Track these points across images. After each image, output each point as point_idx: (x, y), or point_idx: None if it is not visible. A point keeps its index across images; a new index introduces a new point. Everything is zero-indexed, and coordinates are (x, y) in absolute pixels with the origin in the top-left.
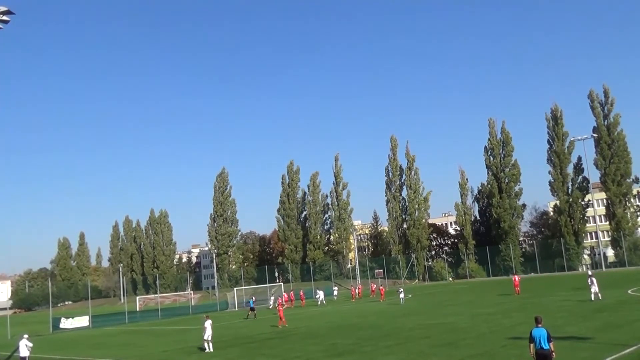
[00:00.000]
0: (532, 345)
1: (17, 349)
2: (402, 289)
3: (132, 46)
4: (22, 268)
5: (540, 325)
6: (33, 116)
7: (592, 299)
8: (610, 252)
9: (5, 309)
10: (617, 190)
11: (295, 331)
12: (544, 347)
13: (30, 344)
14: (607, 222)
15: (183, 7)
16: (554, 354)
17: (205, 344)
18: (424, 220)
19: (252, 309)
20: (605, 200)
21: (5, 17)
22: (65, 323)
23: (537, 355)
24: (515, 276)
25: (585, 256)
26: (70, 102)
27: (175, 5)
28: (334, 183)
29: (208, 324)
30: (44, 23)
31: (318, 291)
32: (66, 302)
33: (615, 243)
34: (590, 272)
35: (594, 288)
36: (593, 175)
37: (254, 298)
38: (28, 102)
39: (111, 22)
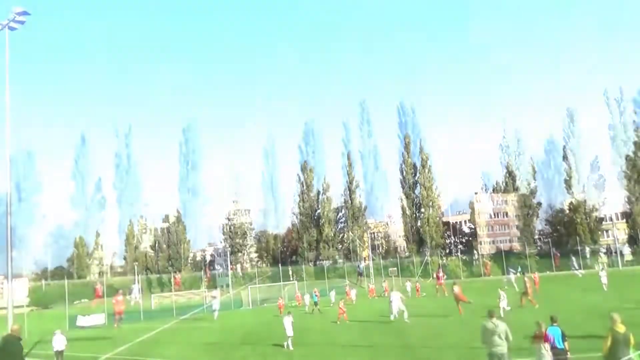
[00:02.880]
0: (547, 344)
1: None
2: (394, 296)
3: (147, 51)
4: (39, 266)
5: (555, 324)
6: (52, 115)
7: (502, 314)
8: (627, 251)
9: (22, 306)
10: (635, 188)
11: (313, 330)
12: (559, 347)
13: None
14: (624, 220)
15: (202, 7)
16: (568, 353)
17: (288, 341)
18: (437, 218)
19: (315, 304)
20: (622, 198)
21: (21, 18)
22: (82, 321)
23: (553, 354)
24: (536, 274)
25: (602, 254)
26: (85, 103)
27: (194, 6)
28: (347, 181)
29: (288, 321)
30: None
31: (351, 291)
32: (82, 300)
33: (632, 241)
34: (500, 290)
35: (503, 303)
36: (609, 172)
37: (317, 292)
38: (47, 100)
39: (131, 23)
